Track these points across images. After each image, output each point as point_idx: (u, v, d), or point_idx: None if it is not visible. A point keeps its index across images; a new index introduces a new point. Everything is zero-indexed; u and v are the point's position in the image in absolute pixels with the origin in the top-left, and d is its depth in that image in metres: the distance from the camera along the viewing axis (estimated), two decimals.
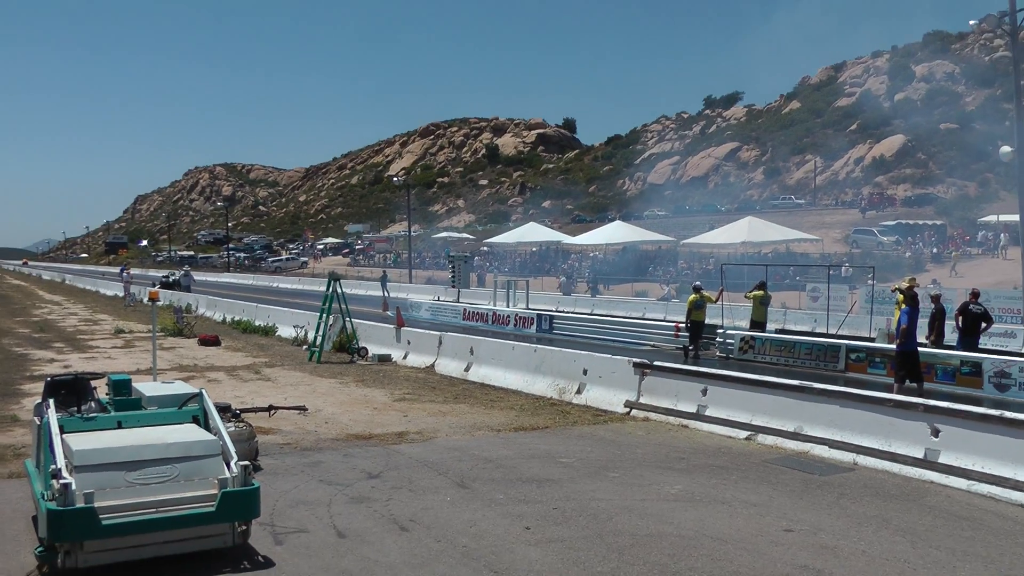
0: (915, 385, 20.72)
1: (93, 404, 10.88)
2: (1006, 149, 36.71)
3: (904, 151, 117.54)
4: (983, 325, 25.45)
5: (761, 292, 31.84)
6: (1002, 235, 67.80)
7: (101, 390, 11.81)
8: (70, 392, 10.95)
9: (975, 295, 26.27)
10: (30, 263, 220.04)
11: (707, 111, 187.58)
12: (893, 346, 22.71)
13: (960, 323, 25.30)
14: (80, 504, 8.44)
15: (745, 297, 33.56)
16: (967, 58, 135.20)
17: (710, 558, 9.48)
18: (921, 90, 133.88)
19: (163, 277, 73.64)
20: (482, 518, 10.91)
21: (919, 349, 21.67)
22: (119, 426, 10.14)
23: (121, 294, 60.99)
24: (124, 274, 65.73)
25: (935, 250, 70.58)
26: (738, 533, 10.38)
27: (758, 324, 31.46)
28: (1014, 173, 37.76)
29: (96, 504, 8.50)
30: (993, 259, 66.23)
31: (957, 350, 24.45)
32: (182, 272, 71.97)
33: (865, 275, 47.17)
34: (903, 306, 21.88)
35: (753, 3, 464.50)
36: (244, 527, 9.40)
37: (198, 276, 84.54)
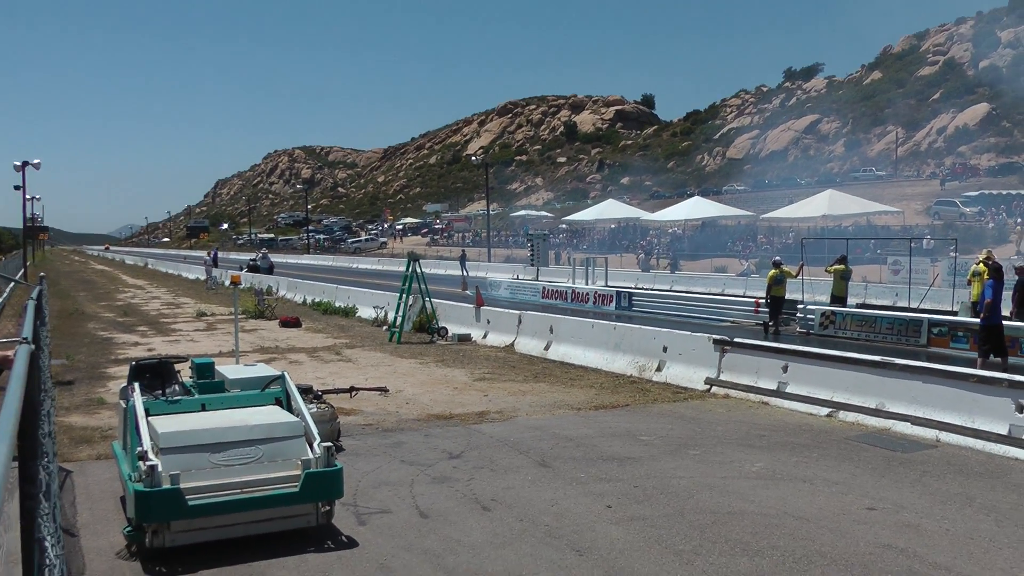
0: (999, 360, 20.41)
1: (177, 387, 11.05)
2: None
3: (988, 119, 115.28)
4: None
5: (842, 266, 31.50)
6: None
7: (185, 373, 12.00)
8: (155, 375, 11.13)
9: None
10: (112, 248, 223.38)
11: (787, 84, 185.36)
12: (976, 320, 22.41)
13: None
14: (166, 485, 8.60)
15: (826, 271, 33.23)
16: None
17: (792, 536, 9.43)
18: (1007, 56, 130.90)
19: (250, 260, 73.62)
20: (563, 497, 10.94)
21: (1003, 323, 21.36)
22: (203, 408, 10.30)
23: (203, 277, 61.70)
24: (209, 256, 66.29)
25: (1020, 220, 69.16)
26: (820, 511, 10.31)
27: (839, 299, 31.13)
28: None
29: (182, 485, 8.65)
30: None
31: None
32: (260, 255, 72.62)
33: (947, 247, 46.43)
34: (986, 278, 21.57)
35: None
36: (328, 507, 9.52)
37: (278, 259, 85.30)
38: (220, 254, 78.64)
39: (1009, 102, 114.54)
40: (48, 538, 4.11)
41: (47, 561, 4.04)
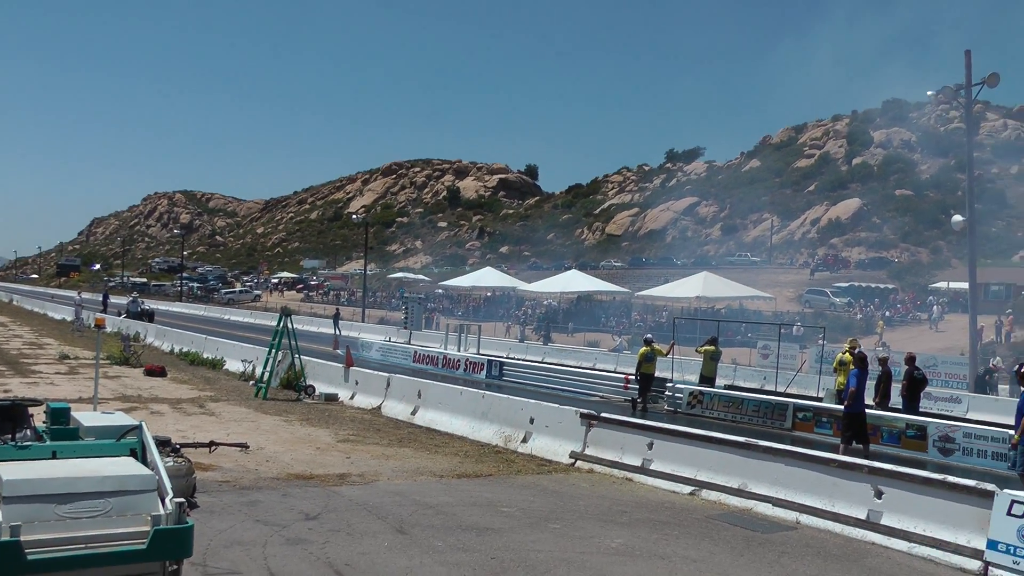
0: (861, 447, 20.88)
1: (29, 432, 10.69)
2: (957, 219, 37.21)
3: (860, 214, 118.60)
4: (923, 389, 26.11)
5: (712, 347, 32.00)
6: (935, 307, 68.16)
7: (39, 418, 11.64)
8: (6, 418, 10.75)
9: (911, 359, 26.66)
10: None
11: (668, 164, 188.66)
12: (840, 406, 22.91)
13: (904, 389, 25.67)
14: (5, 537, 8.26)
15: (696, 351, 33.72)
16: (923, 127, 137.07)
17: None
18: (879, 155, 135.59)
19: (132, 303, 70.72)
20: (419, 565, 10.81)
21: (866, 411, 21.86)
22: (54, 456, 9.96)
23: (69, 318, 60.34)
24: (79, 296, 64.61)
25: (886, 313, 71.12)
26: None
27: (708, 379, 31.58)
28: (964, 242, 38.27)
29: (22, 537, 8.33)
30: (924, 328, 66.44)
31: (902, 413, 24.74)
32: (129, 299, 71.21)
33: (816, 335, 47.48)
34: (851, 368, 22.15)
35: (717, 63, 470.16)
36: (175, 567, 9.23)
37: (150, 304, 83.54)
38: (88, 296, 76.61)
39: (879, 199, 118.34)
40: None
41: None
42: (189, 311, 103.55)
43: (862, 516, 13.55)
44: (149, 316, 63.94)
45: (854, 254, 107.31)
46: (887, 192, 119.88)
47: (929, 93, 39.20)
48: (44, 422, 11.39)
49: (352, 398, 27.19)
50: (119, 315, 61.11)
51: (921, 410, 26.53)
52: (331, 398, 27.32)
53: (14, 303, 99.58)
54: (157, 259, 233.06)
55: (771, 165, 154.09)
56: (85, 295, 75.14)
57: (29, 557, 8.32)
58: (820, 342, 41.65)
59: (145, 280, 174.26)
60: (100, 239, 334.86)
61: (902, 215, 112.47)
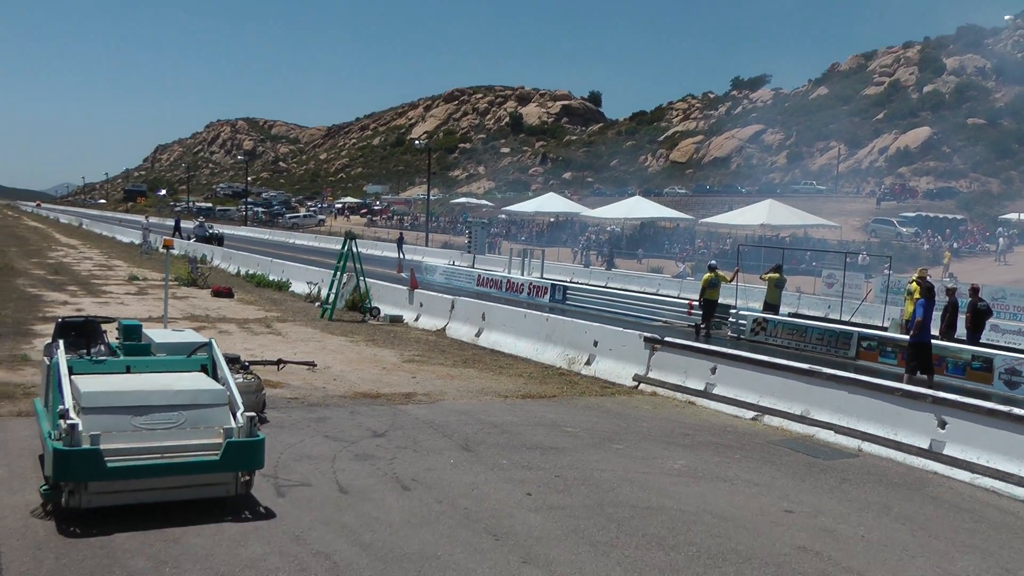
0: (925, 377, 20.71)
1: (103, 347, 10.90)
2: None
3: (929, 143, 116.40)
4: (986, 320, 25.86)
5: (776, 275, 31.77)
6: (1002, 239, 66.99)
7: (112, 334, 11.85)
8: (80, 334, 10.97)
9: (975, 291, 26.36)
10: (43, 205, 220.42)
11: (734, 92, 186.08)
12: (905, 336, 22.74)
13: (968, 320, 25.40)
14: (86, 445, 8.47)
15: (760, 279, 33.49)
16: (999, 53, 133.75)
17: (709, 534, 9.49)
18: (951, 83, 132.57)
19: (199, 227, 71.22)
20: (484, 482, 10.95)
21: (932, 341, 21.68)
22: (128, 371, 10.17)
23: (137, 241, 61.03)
24: (146, 221, 65.34)
25: (955, 244, 70.11)
26: (738, 511, 10.39)
27: (772, 307, 31.40)
28: None
29: (102, 446, 8.53)
30: (991, 260, 65.45)
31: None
32: (196, 223, 71.79)
33: (882, 264, 47.04)
34: (917, 297, 21.91)
35: None
36: (247, 477, 9.44)
37: (219, 229, 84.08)
38: (153, 220, 77.13)
39: (950, 128, 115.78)
40: None
41: None
42: (254, 235, 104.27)
43: (924, 446, 13.50)
44: (219, 240, 64.51)
45: (922, 184, 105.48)
46: (958, 121, 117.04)
47: (1007, 17, 38.58)
48: (117, 338, 11.62)
49: (416, 320, 27.37)
50: (188, 239, 61.76)
51: (988, 342, 26.27)
52: (396, 320, 27.52)
53: (83, 227, 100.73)
54: (222, 184, 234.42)
55: (839, 93, 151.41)
56: (152, 219, 75.79)
57: (108, 464, 8.54)
58: (886, 272, 41.32)
59: (210, 205, 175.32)
60: (165, 165, 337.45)
61: (973, 144, 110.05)
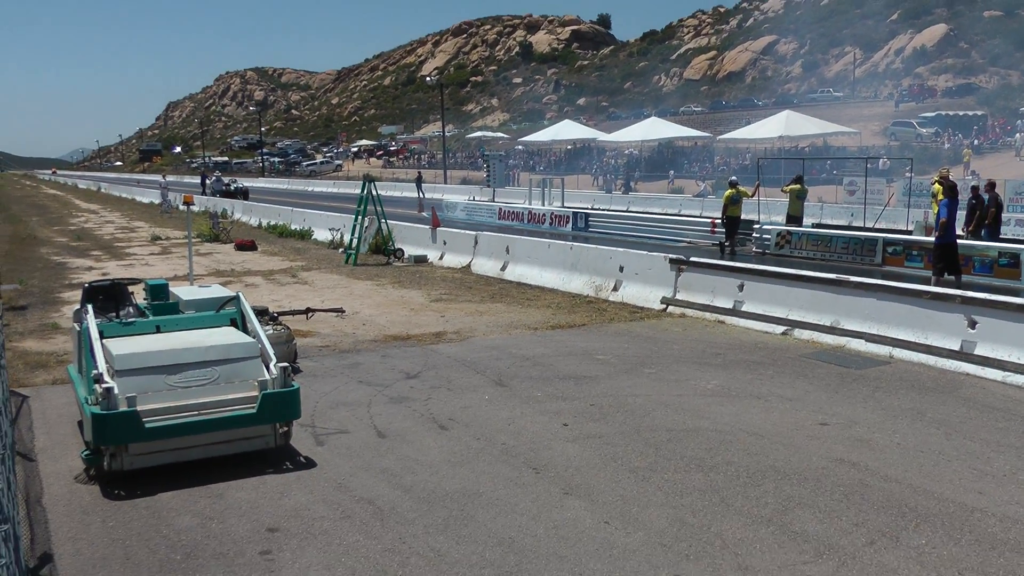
0: (953, 277, 20.64)
1: (131, 309, 10.95)
2: None
3: (946, 40, 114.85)
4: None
5: (798, 186, 31.60)
6: (1018, 134, 66.14)
7: (139, 295, 11.91)
8: (108, 298, 11.02)
9: (991, 186, 26.16)
10: (60, 172, 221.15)
11: (744, 4, 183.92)
12: (931, 238, 22.63)
13: (991, 217, 25.31)
14: (123, 408, 8.54)
15: (782, 191, 33.32)
16: None
17: (746, 452, 9.54)
18: None
19: (216, 182, 71.36)
20: (520, 416, 11.01)
21: (957, 241, 21.58)
22: (158, 330, 10.22)
23: (157, 201, 61.17)
24: (163, 180, 65.45)
25: (976, 141, 69.39)
26: (774, 427, 10.43)
27: (795, 219, 31.26)
28: None
29: (139, 407, 8.60)
30: (1012, 155, 64.69)
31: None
32: (213, 178, 71.80)
33: (903, 167, 46.66)
34: (941, 198, 21.77)
35: None
36: (285, 428, 9.51)
37: (242, 182, 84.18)
38: (171, 179, 77.09)
39: (967, 23, 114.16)
40: None
41: None
42: (272, 185, 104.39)
43: (955, 347, 13.46)
44: (244, 194, 64.53)
45: (940, 82, 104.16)
46: (975, 15, 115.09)
47: None
48: (144, 299, 11.67)
49: (441, 258, 27.40)
50: (213, 195, 61.83)
51: (1015, 237, 26.12)
52: (420, 260, 27.57)
53: (102, 191, 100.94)
54: (236, 137, 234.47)
55: None
56: (170, 178, 75.90)
57: (147, 425, 8.62)
58: (907, 175, 40.94)
59: (227, 158, 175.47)
60: (177, 122, 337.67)
61: (991, 37, 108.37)
